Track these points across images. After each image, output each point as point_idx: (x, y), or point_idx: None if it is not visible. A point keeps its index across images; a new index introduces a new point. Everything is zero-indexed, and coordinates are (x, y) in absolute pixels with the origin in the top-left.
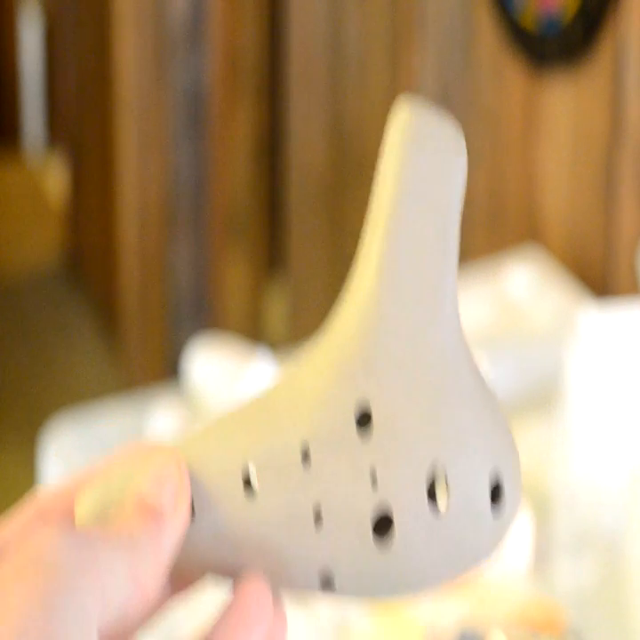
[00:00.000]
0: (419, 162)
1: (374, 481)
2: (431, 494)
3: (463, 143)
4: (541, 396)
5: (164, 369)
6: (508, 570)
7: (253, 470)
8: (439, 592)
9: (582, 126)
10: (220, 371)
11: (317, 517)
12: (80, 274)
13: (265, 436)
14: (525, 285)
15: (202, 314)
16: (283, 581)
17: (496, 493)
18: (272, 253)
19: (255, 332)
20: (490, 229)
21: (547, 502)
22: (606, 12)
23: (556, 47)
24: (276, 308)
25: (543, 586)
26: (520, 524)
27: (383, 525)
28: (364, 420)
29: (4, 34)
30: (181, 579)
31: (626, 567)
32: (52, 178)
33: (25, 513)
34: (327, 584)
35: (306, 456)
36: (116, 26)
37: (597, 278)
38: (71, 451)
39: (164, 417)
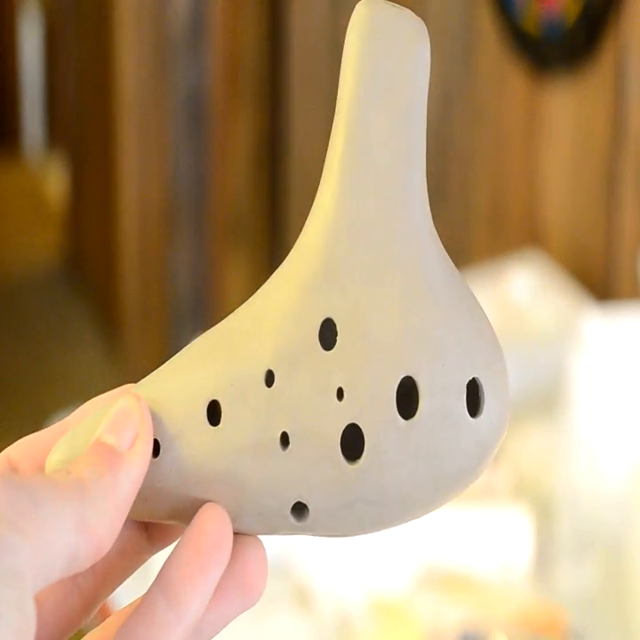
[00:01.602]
0: (375, 54)
1: (341, 395)
2: (403, 407)
3: (424, 28)
4: (543, 400)
5: None
6: (509, 571)
7: (217, 401)
8: (424, 520)
9: (584, 130)
10: None
11: (285, 442)
12: (80, 275)
13: (227, 364)
14: (527, 289)
15: (202, 315)
16: (254, 517)
17: (474, 402)
18: (272, 254)
19: None
20: (491, 233)
21: (549, 504)
22: (608, 16)
23: (558, 51)
24: None
25: (545, 587)
26: (520, 526)
27: (354, 443)
28: (328, 333)
29: (4, 34)
30: (159, 528)
31: (628, 569)
32: (52, 179)
33: None
34: (300, 516)
35: (270, 379)
36: (116, 26)
37: (598, 282)
38: None
39: None
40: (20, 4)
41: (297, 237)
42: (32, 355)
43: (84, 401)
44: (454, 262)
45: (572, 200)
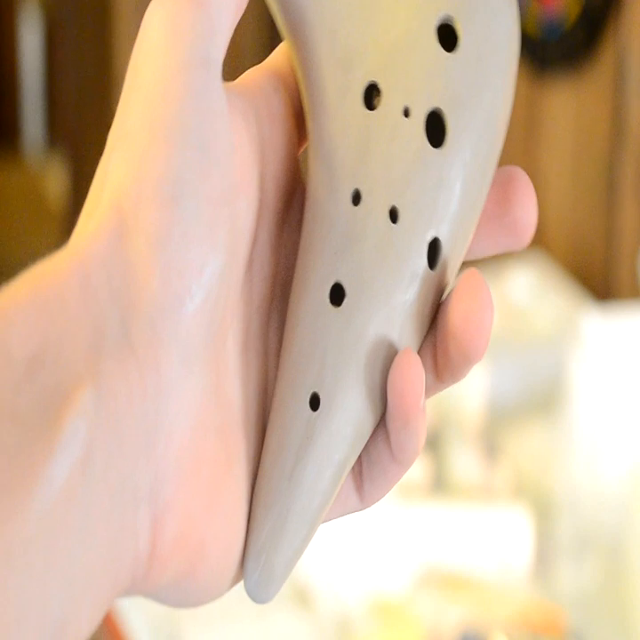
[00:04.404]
0: None
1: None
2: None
3: None
4: (543, 399)
5: None
6: (509, 571)
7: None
8: None
9: (584, 131)
10: None
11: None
12: None
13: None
14: (527, 289)
15: None
16: None
17: None
18: None
19: None
20: None
21: (549, 504)
22: (608, 16)
23: (558, 51)
24: None
25: (545, 587)
26: (520, 526)
27: (436, 126)
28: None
29: (4, 34)
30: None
31: (627, 569)
32: (52, 178)
33: None
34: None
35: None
36: (116, 26)
37: (599, 282)
38: None
39: None
40: (20, 4)
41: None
42: None
43: None
44: None
45: (572, 200)
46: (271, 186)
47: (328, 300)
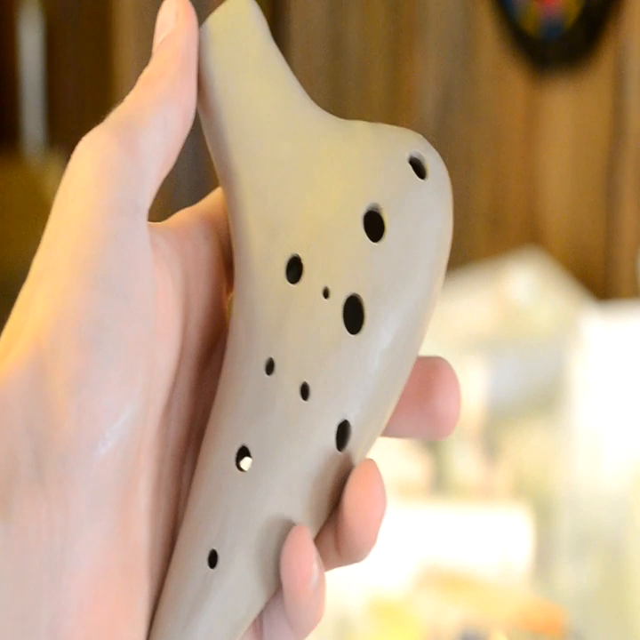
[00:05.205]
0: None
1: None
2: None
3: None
4: (543, 399)
5: None
6: (508, 571)
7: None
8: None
9: (584, 130)
10: None
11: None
12: None
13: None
14: (526, 289)
15: None
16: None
17: (419, 169)
18: None
19: None
20: (491, 233)
21: (549, 504)
22: (608, 16)
23: (558, 51)
24: None
25: (545, 587)
26: (520, 526)
27: (355, 314)
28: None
29: (4, 34)
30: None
31: (628, 569)
32: (52, 178)
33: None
34: (343, 439)
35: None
36: (116, 26)
37: (598, 282)
38: None
39: None
40: (20, 4)
41: None
42: None
43: None
44: (454, 262)
45: (572, 200)
46: (194, 332)
47: (234, 462)
